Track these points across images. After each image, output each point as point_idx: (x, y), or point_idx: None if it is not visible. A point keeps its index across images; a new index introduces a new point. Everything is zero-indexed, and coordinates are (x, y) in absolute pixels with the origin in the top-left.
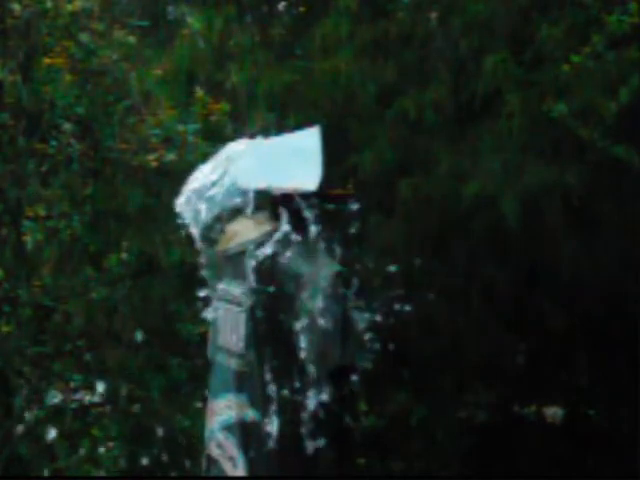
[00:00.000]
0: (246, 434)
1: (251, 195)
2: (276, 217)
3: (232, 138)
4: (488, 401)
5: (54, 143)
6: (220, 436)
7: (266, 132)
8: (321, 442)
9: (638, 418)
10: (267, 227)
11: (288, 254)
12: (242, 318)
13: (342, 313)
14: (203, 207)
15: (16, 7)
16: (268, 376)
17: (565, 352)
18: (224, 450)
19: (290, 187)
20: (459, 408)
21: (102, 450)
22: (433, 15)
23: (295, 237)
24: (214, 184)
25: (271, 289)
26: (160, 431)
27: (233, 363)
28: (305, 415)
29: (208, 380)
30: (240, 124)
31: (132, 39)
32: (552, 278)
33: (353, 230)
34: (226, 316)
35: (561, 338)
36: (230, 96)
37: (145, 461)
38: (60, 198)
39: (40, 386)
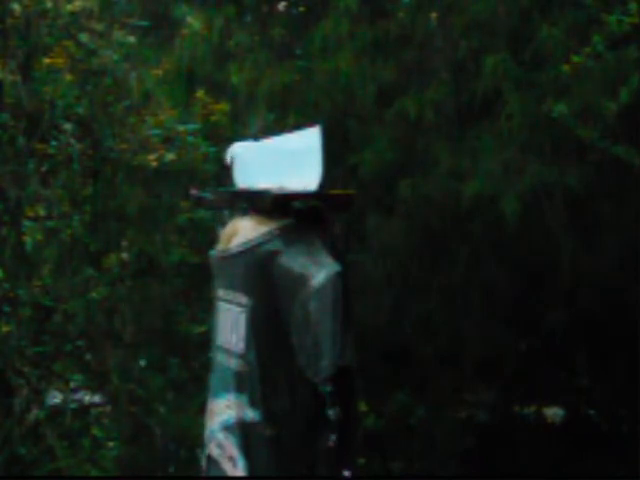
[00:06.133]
0: (246, 434)
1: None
2: (276, 217)
3: (232, 138)
4: (488, 401)
5: (54, 143)
6: (220, 436)
7: (266, 132)
8: (321, 442)
9: (638, 418)
10: (267, 227)
11: (288, 254)
12: (242, 318)
13: (342, 313)
14: None
15: (16, 7)
16: (268, 376)
17: (565, 352)
18: (224, 450)
19: (290, 187)
20: (459, 408)
21: (102, 450)
22: (433, 15)
23: (295, 237)
24: None
25: (271, 289)
26: (160, 431)
27: (233, 363)
28: (304, 416)
29: (208, 380)
30: (240, 124)
31: (132, 39)
32: (552, 278)
33: (353, 230)
34: (226, 316)
35: (561, 338)
36: (230, 96)
37: (145, 461)
38: (60, 198)
39: (40, 386)
